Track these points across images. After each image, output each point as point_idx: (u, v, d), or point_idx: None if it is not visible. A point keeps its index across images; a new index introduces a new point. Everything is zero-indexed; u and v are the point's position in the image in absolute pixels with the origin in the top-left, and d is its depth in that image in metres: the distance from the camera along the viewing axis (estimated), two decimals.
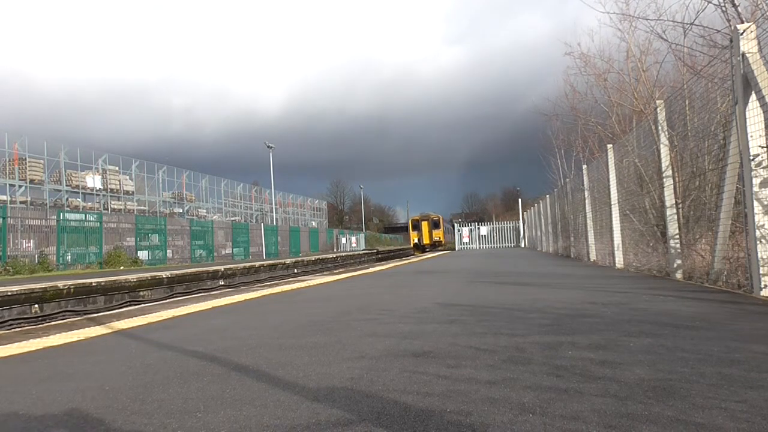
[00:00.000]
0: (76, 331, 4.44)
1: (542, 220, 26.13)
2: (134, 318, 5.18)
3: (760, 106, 4.77)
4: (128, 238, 25.57)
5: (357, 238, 66.09)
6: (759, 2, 6.66)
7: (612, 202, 10.50)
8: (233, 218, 45.71)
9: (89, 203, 32.86)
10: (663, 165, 7.77)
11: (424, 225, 45.35)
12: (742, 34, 4.94)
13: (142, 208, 36.53)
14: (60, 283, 11.87)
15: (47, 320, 10.47)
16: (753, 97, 4.89)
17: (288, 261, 26.36)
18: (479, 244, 42.17)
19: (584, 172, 13.82)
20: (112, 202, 34.01)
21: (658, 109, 7.85)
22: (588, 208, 13.57)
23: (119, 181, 34.93)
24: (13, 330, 5.02)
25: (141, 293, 14.31)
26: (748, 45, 4.90)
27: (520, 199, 50.01)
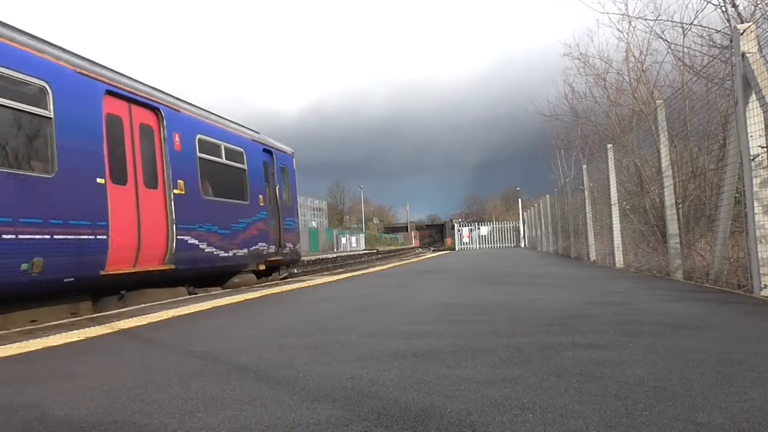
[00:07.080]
0: (75, 331, 4.43)
1: (542, 220, 26.13)
2: (134, 318, 5.18)
3: (760, 106, 4.77)
4: None
5: (357, 238, 66.14)
6: (759, 2, 6.66)
7: (612, 202, 10.50)
8: None
9: None
10: (663, 165, 7.77)
11: None
12: (742, 34, 4.94)
13: None
14: None
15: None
16: (753, 97, 4.89)
17: None
18: (479, 244, 42.22)
19: (584, 172, 13.83)
20: None
21: (657, 110, 7.85)
22: (588, 208, 13.58)
23: None
24: (12, 330, 5.03)
25: None
26: (748, 45, 4.90)
27: (520, 200, 50.05)
